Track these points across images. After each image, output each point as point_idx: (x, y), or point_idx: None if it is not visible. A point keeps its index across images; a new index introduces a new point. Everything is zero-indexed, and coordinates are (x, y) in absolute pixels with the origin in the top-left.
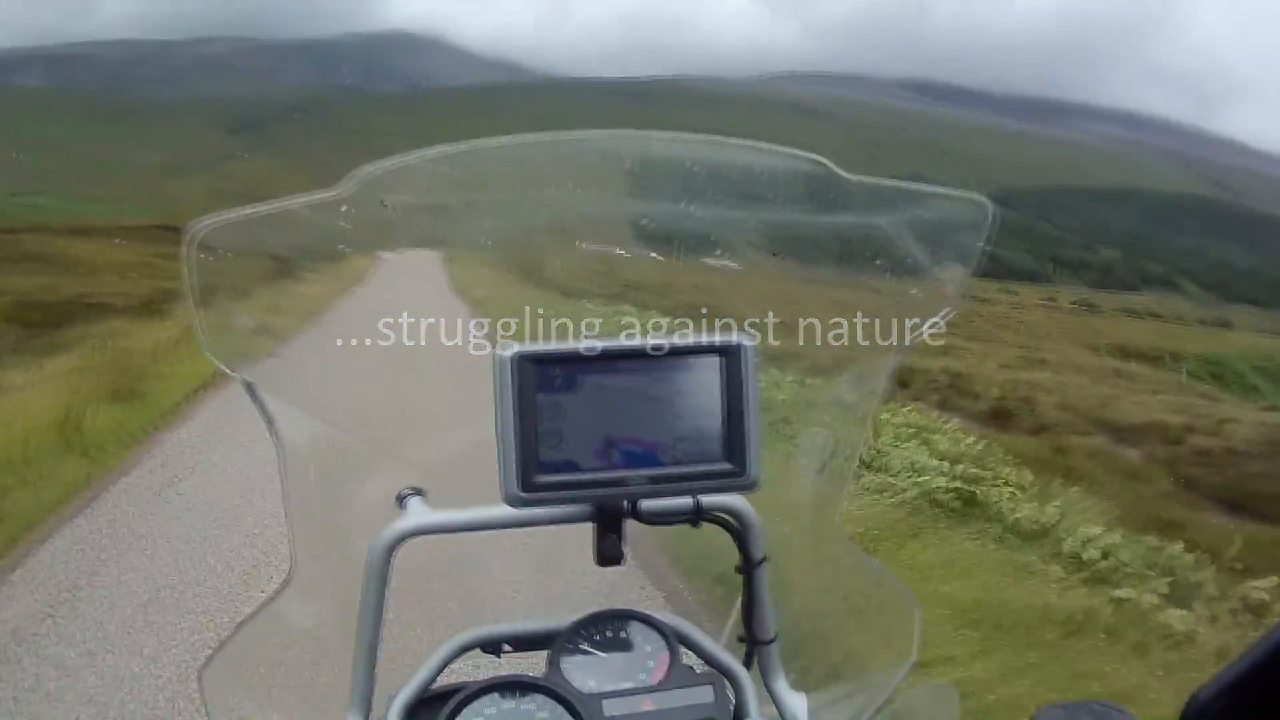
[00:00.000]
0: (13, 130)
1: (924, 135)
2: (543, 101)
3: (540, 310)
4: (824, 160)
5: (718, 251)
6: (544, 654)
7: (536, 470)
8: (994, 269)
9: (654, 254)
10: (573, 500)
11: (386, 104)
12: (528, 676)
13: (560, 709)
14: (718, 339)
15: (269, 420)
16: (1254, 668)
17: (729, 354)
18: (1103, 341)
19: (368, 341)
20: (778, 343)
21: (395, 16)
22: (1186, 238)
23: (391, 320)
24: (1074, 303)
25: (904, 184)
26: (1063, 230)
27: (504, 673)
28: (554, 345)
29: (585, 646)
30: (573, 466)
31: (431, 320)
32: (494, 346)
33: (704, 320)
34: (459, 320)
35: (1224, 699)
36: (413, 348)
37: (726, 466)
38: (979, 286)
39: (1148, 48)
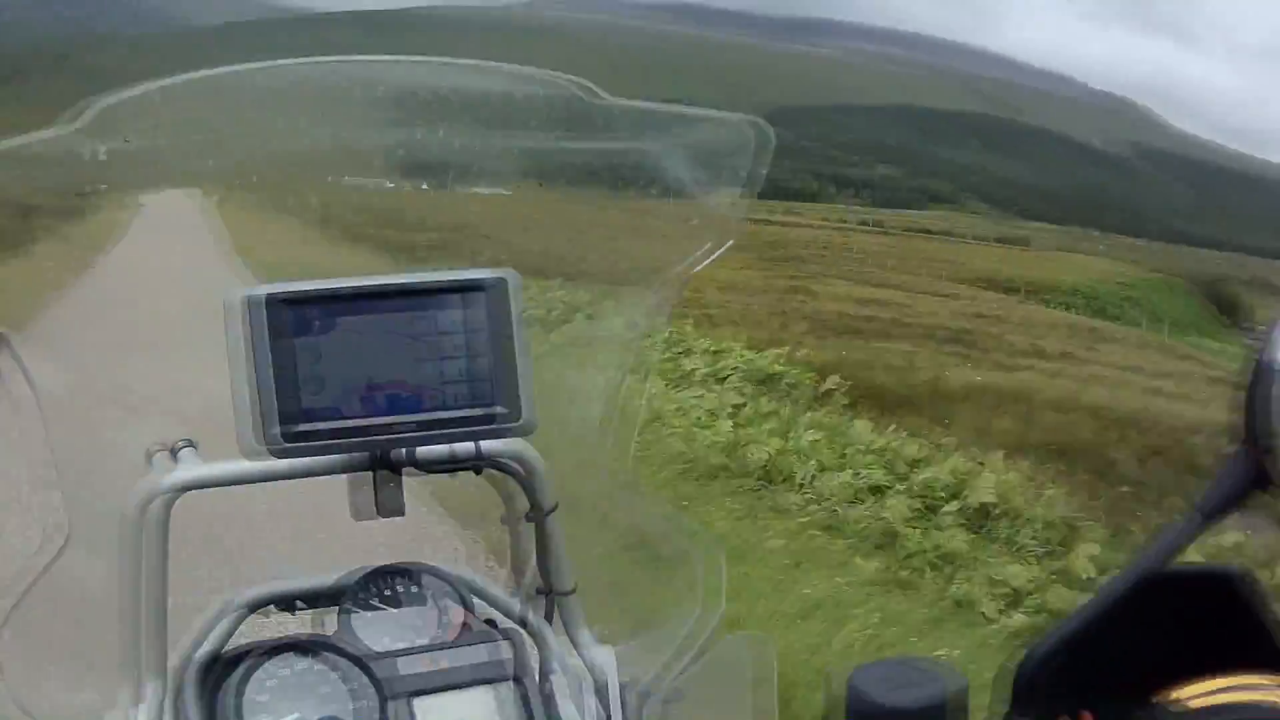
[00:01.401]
0: None
1: (687, 59)
2: (293, 36)
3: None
4: (589, 84)
5: (481, 180)
6: (334, 611)
7: (301, 419)
8: (772, 190)
9: (423, 184)
10: (342, 449)
11: (148, 45)
12: (320, 636)
13: (354, 668)
14: (480, 274)
15: (28, 375)
16: (1093, 621)
17: (492, 289)
18: (939, 268)
19: (125, 288)
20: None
21: None
22: (967, 154)
23: (148, 267)
24: (863, 222)
25: (676, 108)
26: (839, 150)
27: (295, 632)
28: (308, 284)
29: (376, 602)
30: (337, 414)
31: (188, 265)
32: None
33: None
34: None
35: (1063, 654)
36: (175, 295)
37: (499, 410)
38: (763, 207)
39: None
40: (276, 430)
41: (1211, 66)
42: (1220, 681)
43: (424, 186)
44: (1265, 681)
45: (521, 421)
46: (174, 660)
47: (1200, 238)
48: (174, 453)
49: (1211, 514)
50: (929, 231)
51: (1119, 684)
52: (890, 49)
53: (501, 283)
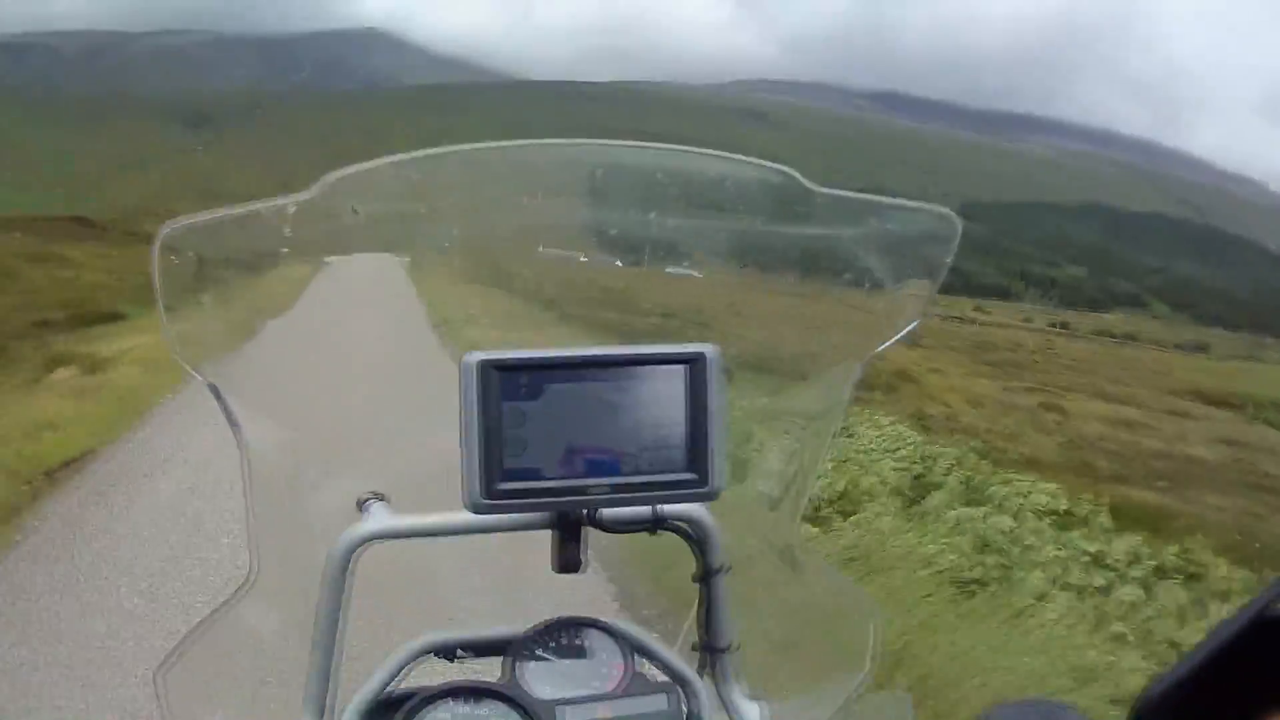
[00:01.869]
0: None
1: (887, 147)
2: (498, 102)
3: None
4: (791, 171)
5: (684, 262)
6: (500, 660)
7: (500, 478)
8: (961, 284)
9: (617, 261)
10: (534, 508)
11: (343, 101)
12: (484, 682)
13: (516, 715)
14: (682, 348)
15: (233, 423)
16: (1208, 662)
17: (693, 363)
18: (1151, 379)
19: (334, 347)
20: (742, 353)
21: (355, 13)
22: (1152, 256)
23: (357, 328)
24: (1051, 324)
25: (870, 197)
26: (1027, 245)
27: (461, 678)
28: (519, 352)
29: (542, 653)
30: (535, 474)
31: (396, 328)
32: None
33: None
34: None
35: (1177, 694)
36: (378, 354)
37: (689, 476)
38: (954, 304)
39: (1115, 62)
40: (478, 488)
41: None
42: None
43: (618, 264)
44: None
45: (709, 488)
46: (345, 701)
47: None
48: (360, 504)
49: None
50: (1112, 335)
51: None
52: (1087, 146)
53: (702, 357)
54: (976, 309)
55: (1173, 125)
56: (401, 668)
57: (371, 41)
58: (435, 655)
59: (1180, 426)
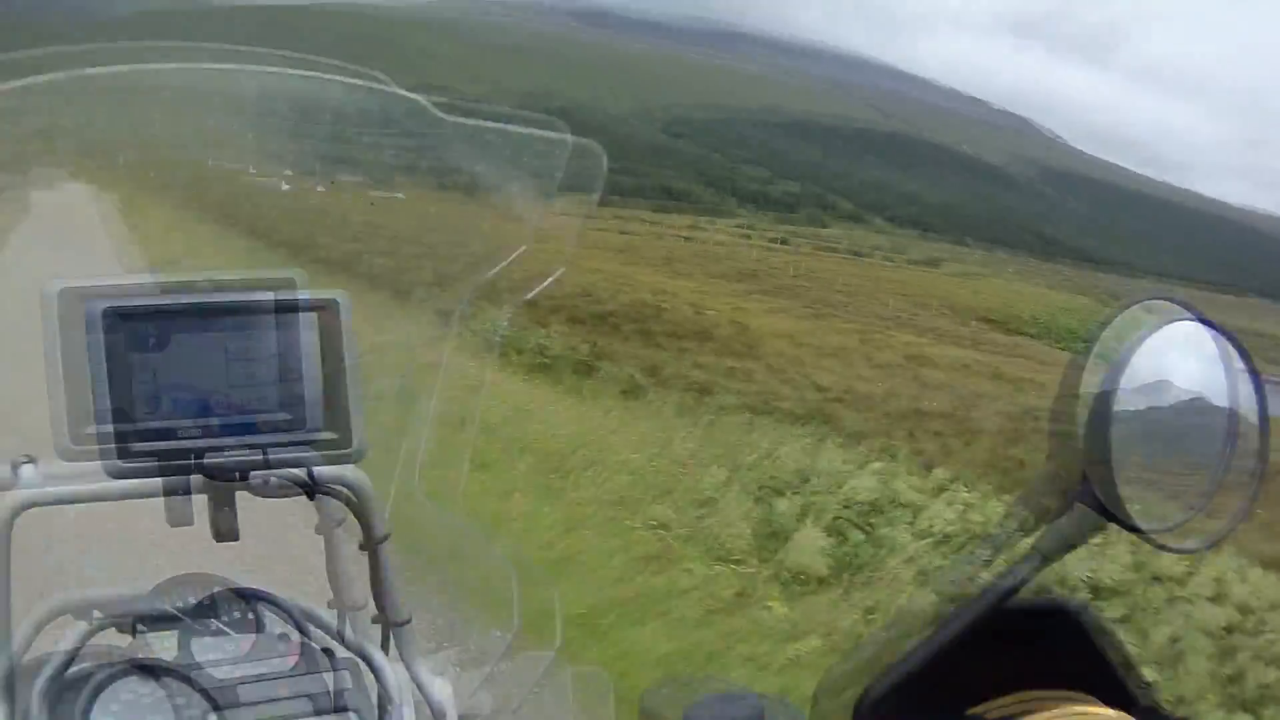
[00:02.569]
0: None
1: (592, 65)
2: (199, 32)
3: None
4: (419, 98)
5: (286, 173)
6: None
7: (136, 438)
8: (674, 205)
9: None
10: (178, 471)
11: (48, 34)
12: (164, 661)
13: (197, 696)
14: (311, 294)
15: None
16: (928, 659)
17: (325, 309)
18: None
19: None
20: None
21: None
22: (872, 172)
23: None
24: (774, 240)
25: (483, 122)
26: (739, 163)
27: (138, 655)
28: (141, 299)
29: (215, 627)
30: (171, 434)
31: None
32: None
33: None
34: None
35: (902, 690)
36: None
37: (330, 435)
38: (668, 221)
39: None
40: (112, 450)
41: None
42: (1025, 695)
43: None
44: (1084, 706)
45: (352, 449)
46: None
47: (1103, 259)
48: (15, 468)
49: (1051, 555)
50: (834, 249)
51: (956, 714)
52: (799, 62)
53: (333, 304)
54: (693, 227)
55: (892, 44)
56: (34, 632)
57: None
58: (74, 617)
59: (1021, 367)
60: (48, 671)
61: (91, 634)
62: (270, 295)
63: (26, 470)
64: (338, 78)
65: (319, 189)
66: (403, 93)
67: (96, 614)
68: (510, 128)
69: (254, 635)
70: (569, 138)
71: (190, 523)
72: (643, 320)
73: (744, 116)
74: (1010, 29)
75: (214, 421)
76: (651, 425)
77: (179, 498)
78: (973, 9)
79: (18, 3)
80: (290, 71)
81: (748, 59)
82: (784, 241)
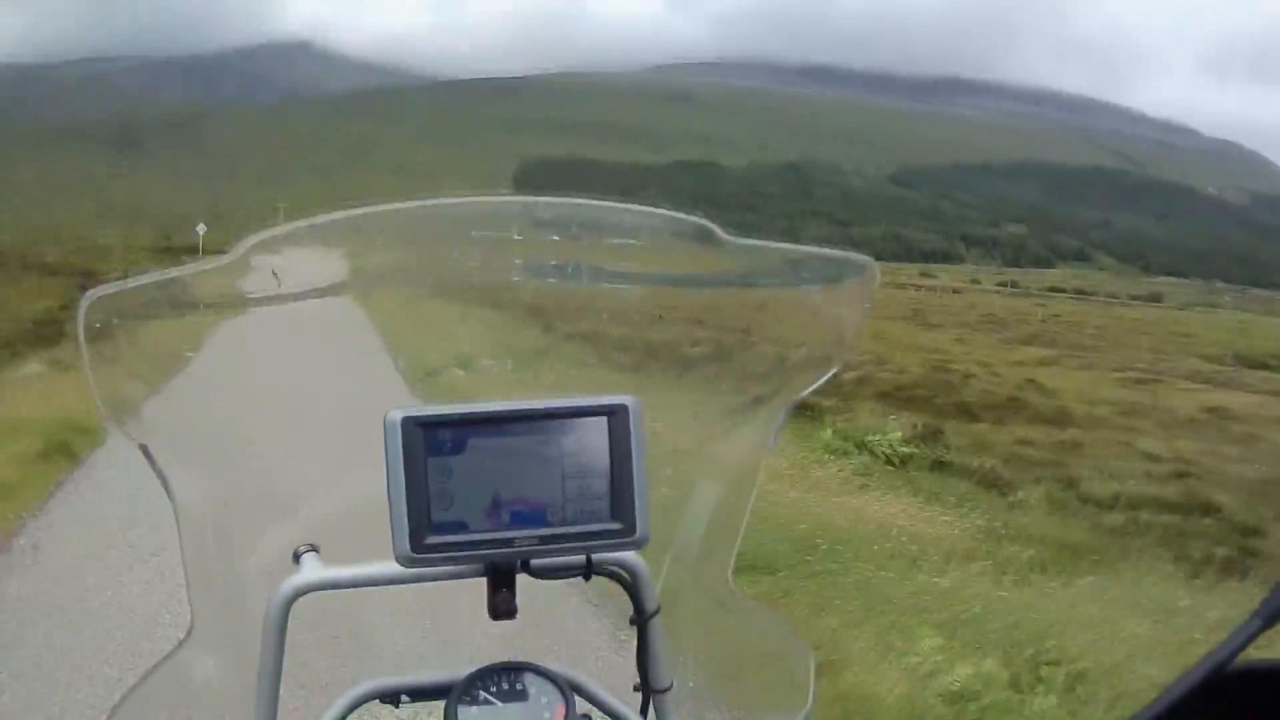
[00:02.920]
0: None
1: (818, 120)
2: (423, 103)
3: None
4: (707, 223)
5: (604, 315)
6: (440, 705)
7: (428, 531)
8: (903, 251)
9: (550, 279)
10: (464, 560)
11: (267, 114)
12: None
13: None
14: (603, 400)
15: (165, 481)
16: (1192, 692)
17: (614, 414)
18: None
19: (261, 404)
20: (665, 402)
21: (279, 27)
22: (1093, 209)
23: (285, 383)
24: (1001, 284)
25: (787, 245)
26: (964, 208)
27: None
28: (442, 408)
29: (481, 698)
30: (463, 527)
31: (324, 379)
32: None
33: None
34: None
35: None
36: (304, 408)
37: (615, 525)
38: (901, 271)
39: (1051, 22)
40: (406, 542)
41: None
42: None
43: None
44: None
45: (635, 536)
46: None
47: None
48: (296, 556)
49: (1274, 618)
50: (1061, 290)
51: None
52: (1023, 107)
53: (623, 409)
54: (923, 274)
55: (1110, 83)
56: (345, 715)
57: (295, 53)
58: (380, 700)
59: None
60: None
61: (346, 711)
62: (565, 402)
63: (308, 559)
64: (634, 206)
65: (659, 317)
66: (693, 219)
67: (404, 698)
68: (807, 249)
69: (520, 704)
70: (874, 263)
71: (513, 616)
72: (941, 389)
73: (967, 162)
74: (1211, 65)
75: (505, 515)
76: (1081, 555)
77: (465, 581)
78: (1180, 48)
79: (229, 88)
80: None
81: (969, 105)
82: (1014, 285)
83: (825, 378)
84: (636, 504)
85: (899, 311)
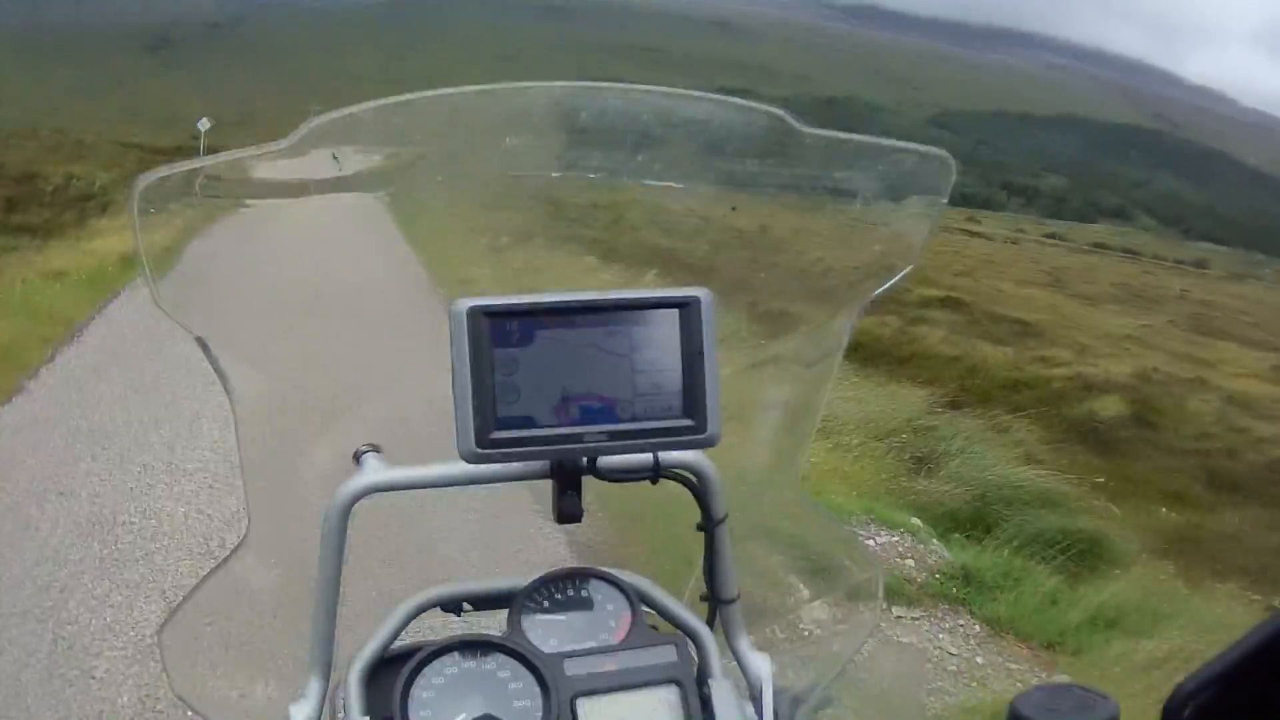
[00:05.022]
0: None
1: (861, 58)
2: (470, 17)
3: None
4: (780, 112)
5: (675, 208)
6: (504, 614)
7: (494, 426)
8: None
9: (593, 175)
10: (531, 457)
11: (306, 18)
12: (488, 635)
13: (521, 668)
14: (674, 293)
15: (223, 377)
16: (1240, 661)
17: (686, 307)
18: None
19: (322, 297)
20: (734, 299)
21: None
22: (1132, 168)
23: (344, 277)
24: (1047, 235)
25: (863, 138)
26: (1006, 156)
27: (464, 632)
28: (510, 298)
29: (546, 605)
30: (530, 422)
31: (384, 276)
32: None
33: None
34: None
35: (1209, 692)
36: (366, 303)
37: (686, 422)
38: (950, 212)
39: None
40: (470, 438)
41: None
42: None
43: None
44: None
45: (707, 434)
46: (348, 657)
47: None
48: (356, 457)
49: None
50: (1107, 247)
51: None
52: (1060, 59)
53: (696, 301)
54: (969, 219)
55: (1158, 46)
56: (405, 623)
57: None
58: (441, 609)
59: None
60: (369, 653)
61: (407, 620)
62: (634, 294)
63: (370, 459)
64: (702, 94)
65: (732, 209)
66: (765, 108)
67: (467, 606)
68: (884, 142)
69: (584, 612)
70: (951, 159)
71: (578, 519)
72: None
73: (1011, 111)
74: (1261, 39)
75: (574, 410)
76: None
77: (536, 482)
78: (1238, 22)
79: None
80: (649, 90)
81: (1017, 57)
82: (1061, 237)
83: (897, 277)
84: (709, 401)
85: (1026, 274)
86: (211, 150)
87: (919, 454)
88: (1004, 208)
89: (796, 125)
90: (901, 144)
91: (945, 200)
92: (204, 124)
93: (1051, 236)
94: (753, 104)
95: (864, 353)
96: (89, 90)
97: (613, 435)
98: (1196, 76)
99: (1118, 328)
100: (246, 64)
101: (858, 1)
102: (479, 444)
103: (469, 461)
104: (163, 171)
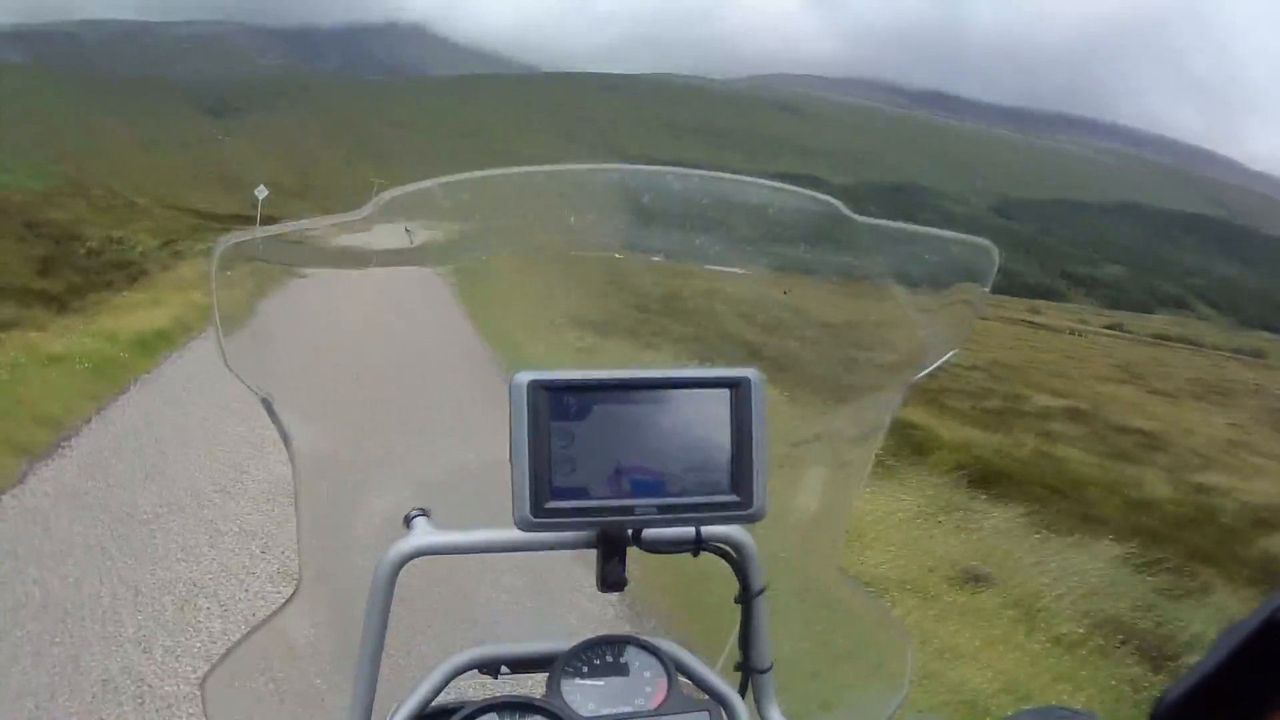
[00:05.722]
0: None
1: (923, 144)
2: (527, 93)
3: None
4: (832, 200)
5: (728, 290)
6: (543, 677)
7: (549, 496)
8: (1007, 283)
9: (656, 258)
10: (582, 527)
11: (367, 90)
12: (527, 697)
13: None
14: (726, 372)
15: (285, 437)
16: (1223, 665)
17: (737, 387)
18: None
19: (383, 363)
20: (783, 380)
21: (389, 7)
22: (1190, 254)
23: (405, 346)
24: (1108, 326)
25: (910, 226)
26: (1065, 244)
27: (504, 694)
28: (568, 373)
29: (585, 670)
30: (583, 493)
31: (442, 347)
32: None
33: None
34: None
35: (1194, 698)
36: (424, 372)
37: (733, 498)
38: (1009, 303)
39: (1164, 65)
40: (526, 506)
41: None
42: None
43: (654, 259)
44: None
45: (753, 509)
46: (388, 714)
47: None
48: (407, 520)
49: None
50: (1167, 338)
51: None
52: (1120, 145)
53: (746, 381)
54: (1031, 310)
55: (1216, 131)
56: (445, 682)
57: (402, 35)
58: (479, 670)
59: None
60: (410, 709)
61: (447, 679)
62: (688, 372)
63: (419, 523)
64: (759, 181)
65: (784, 292)
66: (819, 195)
67: (504, 669)
68: (931, 231)
69: (622, 677)
70: (994, 248)
71: (622, 588)
72: None
73: (1071, 198)
74: None
75: (624, 483)
76: None
77: (580, 550)
78: None
79: (338, 60)
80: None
81: (1079, 143)
82: (1121, 327)
83: (941, 360)
84: (756, 478)
85: (1102, 370)
86: (268, 219)
87: (1152, 647)
88: (1065, 297)
89: (848, 213)
90: (948, 233)
91: (989, 288)
92: (261, 192)
93: (1111, 327)
94: (807, 191)
95: (1010, 484)
96: (147, 148)
97: (661, 509)
98: (1257, 162)
99: (1215, 429)
100: (309, 132)
101: (926, 88)
102: (534, 512)
103: (523, 529)
104: (243, 234)
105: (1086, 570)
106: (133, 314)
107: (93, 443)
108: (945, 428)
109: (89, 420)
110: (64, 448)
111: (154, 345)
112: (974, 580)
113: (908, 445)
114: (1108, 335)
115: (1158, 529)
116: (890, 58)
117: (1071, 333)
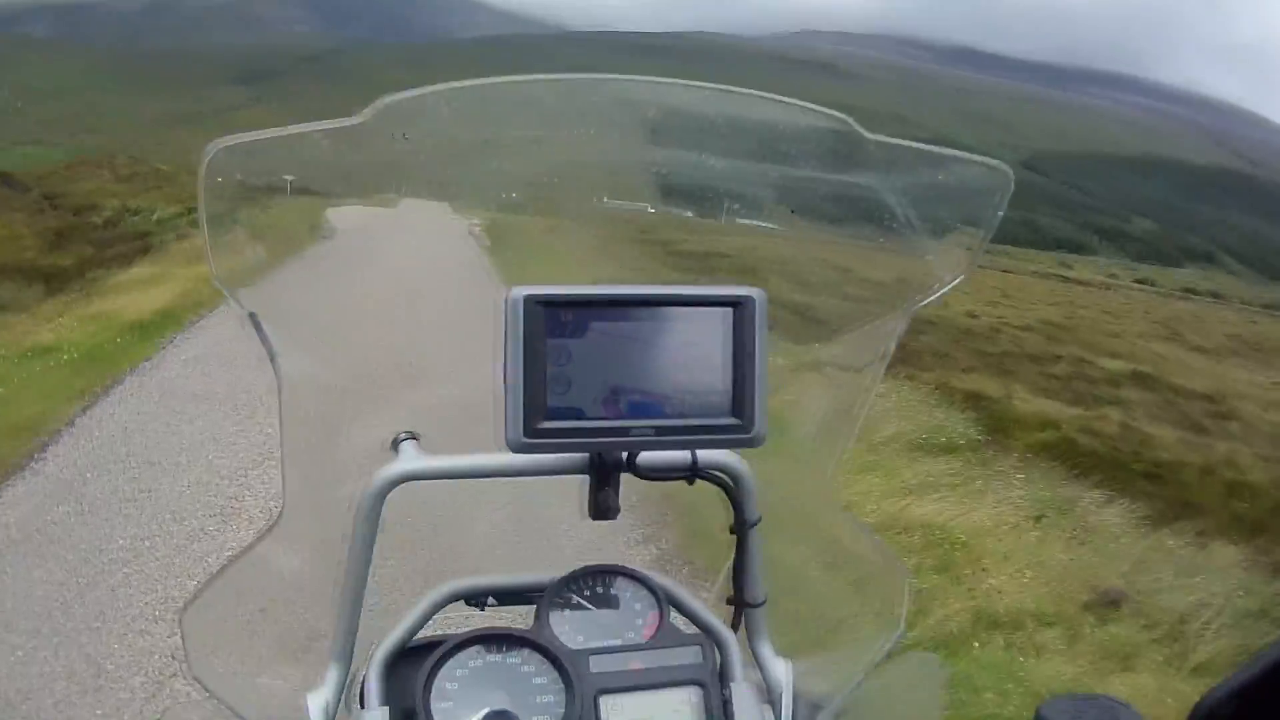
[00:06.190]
0: (18, 80)
1: (953, 100)
2: (557, 54)
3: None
4: (847, 118)
5: (735, 205)
6: (531, 609)
7: (543, 416)
8: (1037, 238)
9: (679, 211)
10: (576, 448)
11: (397, 55)
12: (514, 629)
13: (545, 663)
14: (728, 290)
15: (271, 354)
16: (1264, 672)
17: (738, 306)
18: None
19: (375, 281)
20: (785, 300)
21: None
22: (1218, 210)
23: (400, 262)
24: (1138, 280)
25: (923, 146)
26: (1094, 199)
27: (489, 625)
28: (565, 288)
29: (574, 601)
30: (578, 413)
31: (437, 263)
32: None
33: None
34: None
35: (1233, 703)
36: (417, 289)
37: (732, 421)
38: (1040, 257)
39: (1212, 27)
40: (519, 426)
41: None
42: None
43: (688, 214)
44: None
45: (752, 433)
46: (371, 646)
47: None
48: (395, 444)
49: None
50: (1195, 291)
51: None
52: (1146, 100)
53: (749, 300)
54: (1062, 264)
55: (1251, 90)
56: (430, 614)
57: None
58: (465, 602)
59: None
60: (392, 643)
61: (432, 611)
62: (688, 290)
63: (407, 446)
64: (766, 96)
65: (790, 210)
66: (831, 111)
67: (491, 600)
68: (944, 151)
69: (612, 609)
70: (1010, 171)
71: (614, 515)
72: None
73: (1102, 154)
74: None
75: (623, 403)
76: None
77: (572, 477)
78: None
79: (369, 26)
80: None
81: (1108, 99)
82: (1151, 283)
83: (948, 287)
84: (756, 401)
85: (1144, 326)
86: (300, 189)
87: None
88: (1094, 251)
89: (860, 130)
90: (962, 154)
91: (1000, 212)
92: None
93: (1141, 281)
94: (819, 107)
95: (1107, 470)
96: (178, 119)
97: (659, 430)
98: None
99: (1264, 391)
100: (337, 97)
101: (957, 44)
102: (527, 433)
103: (515, 450)
104: (234, 139)
105: (1214, 583)
106: (134, 293)
107: (71, 452)
108: (1019, 398)
109: (72, 421)
110: (35, 460)
111: (157, 327)
112: (1111, 604)
113: (986, 418)
114: (1139, 290)
115: (1264, 520)
116: (920, 13)
117: (1103, 287)
